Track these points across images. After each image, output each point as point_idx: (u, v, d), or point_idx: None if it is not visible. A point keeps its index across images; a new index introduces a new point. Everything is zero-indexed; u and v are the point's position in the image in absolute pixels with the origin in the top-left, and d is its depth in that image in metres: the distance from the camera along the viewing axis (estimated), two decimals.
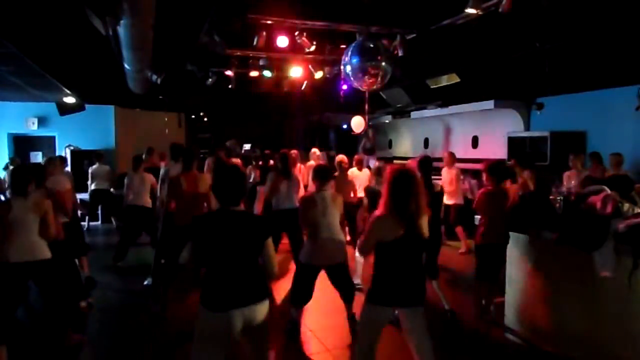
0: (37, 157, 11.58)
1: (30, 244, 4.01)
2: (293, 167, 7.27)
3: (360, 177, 8.22)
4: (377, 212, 3.11)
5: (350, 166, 8.38)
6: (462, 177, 8.33)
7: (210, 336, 2.73)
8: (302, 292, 4.63)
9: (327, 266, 4.57)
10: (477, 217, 5.28)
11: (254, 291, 2.81)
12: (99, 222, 11.21)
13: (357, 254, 5.52)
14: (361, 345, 3.23)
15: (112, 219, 10.74)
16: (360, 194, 8.08)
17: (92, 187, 10.22)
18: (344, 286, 4.73)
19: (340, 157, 8.05)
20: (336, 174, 7.55)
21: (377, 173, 5.99)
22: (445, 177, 8.06)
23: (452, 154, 8.30)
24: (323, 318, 5.16)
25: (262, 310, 2.82)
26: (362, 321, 3.27)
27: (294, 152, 8.49)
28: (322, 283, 4.72)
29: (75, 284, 5.12)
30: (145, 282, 6.37)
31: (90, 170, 10.26)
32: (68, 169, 10.36)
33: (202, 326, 2.75)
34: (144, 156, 8.21)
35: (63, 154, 11.11)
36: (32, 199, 4.09)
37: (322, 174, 4.67)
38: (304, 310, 4.91)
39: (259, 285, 2.86)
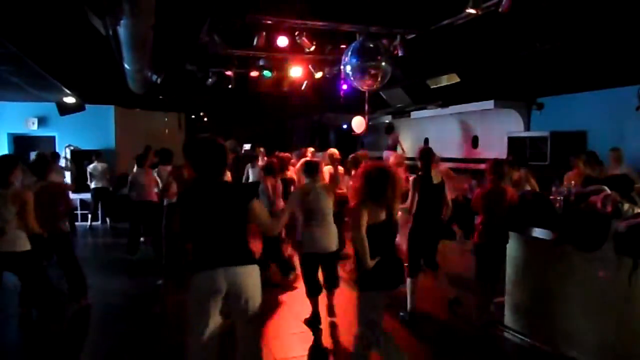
0: None
1: (9, 235, 3.99)
2: (286, 170, 7.35)
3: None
4: (353, 202, 3.37)
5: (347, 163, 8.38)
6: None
7: (200, 298, 2.87)
8: (310, 283, 4.88)
9: (323, 254, 4.78)
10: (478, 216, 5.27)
11: (237, 255, 2.95)
12: (99, 222, 11.20)
13: None
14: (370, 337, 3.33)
15: (107, 219, 10.71)
16: None
17: (92, 185, 10.28)
18: (332, 275, 4.95)
19: (331, 150, 8.07)
20: (329, 168, 7.63)
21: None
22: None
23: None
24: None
25: (246, 273, 2.94)
26: (361, 308, 3.38)
27: (309, 151, 8.58)
28: None
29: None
30: (159, 282, 6.36)
31: (88, 169, 10.31)
32: (63, 164, 10.41)
33: (192, 290, 2.90)
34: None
35: (63, 154, 11.13)
36: (11, 190, 4.05)
37: (310, 168, 4.92)
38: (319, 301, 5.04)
39: (243, 251, 2.99)
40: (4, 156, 5.06)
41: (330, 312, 5.06)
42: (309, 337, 4.69)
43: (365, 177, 3.35)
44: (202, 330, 2.87)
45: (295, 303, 5.55)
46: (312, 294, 4.91)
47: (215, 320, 2.91)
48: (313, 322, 4.89)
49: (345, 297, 5.46)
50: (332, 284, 5.01)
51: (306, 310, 5.02)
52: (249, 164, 10.09)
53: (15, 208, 4.02)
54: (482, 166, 5.17)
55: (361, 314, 3.38)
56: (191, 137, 7.33)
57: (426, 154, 5.29)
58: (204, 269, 2.88)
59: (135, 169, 7.78)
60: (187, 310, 2.93)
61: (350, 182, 4.41)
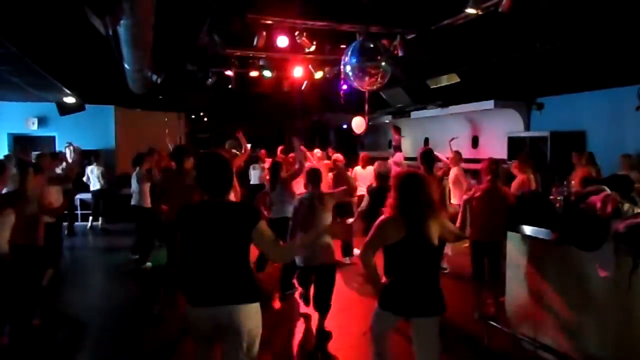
0: None
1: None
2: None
3: (363, 176, 8.21)
4: (384, 214, 3.08)
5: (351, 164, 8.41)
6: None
7: (194, 330, 2.67)
8: (305, 292, 4.93)
9: (318, 266, 4.52)
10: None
11: (237, 290, 2.58)
12: (99, 222, 11.18)
13: None
14: (373, 349, 3.22)
15: (100, 218, 10.66)
16: (362, 192, 8.11)
17: (91, 187, 10.30)
18: (324, 293, 4.55)
19: (336, 155, 8.05)
20: (334, 172, 7.57)
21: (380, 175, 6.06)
22: (451, 176, 7.89)
23: (458, 153, 8.07)
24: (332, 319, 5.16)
25: (245, 313, 2.56)
26: (371, 324, 3.22)
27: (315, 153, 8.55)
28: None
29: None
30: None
31: (87, 170, 10.33)
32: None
33: (187, 320, 2.69)
34: (145, 156, 8.23)
35: (68, 153, 11.12)
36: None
37: (312, 178, 4.69)
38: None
39: (244, 285, 2.61)
40: None
41: (322, 337, 4.51)
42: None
43: (399, 186, 3.03)
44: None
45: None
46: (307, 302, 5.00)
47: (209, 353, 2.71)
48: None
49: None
50: (322, 305, 4.56)
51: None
52: (251, 166, 10.08)
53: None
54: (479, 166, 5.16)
55: (371, 328, 3.21)
56: (180, 145, 7.17)
57: (427, 155, 5.29)
58: (198, 304, 2.59)
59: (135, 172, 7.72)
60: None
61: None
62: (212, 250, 2.60)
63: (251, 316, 2.58)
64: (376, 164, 8.30)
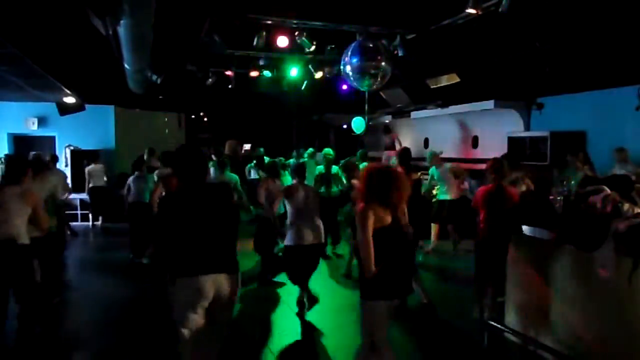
0: None
1: (10, 226, 4.00)
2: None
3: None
4: (360, 204, 3.19)
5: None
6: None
7: (198, 297, 2.86)
8: (295, 272, 5.20)
9: (307, 246, 5.02)
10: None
11: (226, 260, 2.97)
12: (99, 222, 11.19)
13: None
14: (366, 341, 3.18)
15: (99, 217, 10.62)
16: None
17: (90, 185, 10.30)
18: (309, 269, 5.19)
19: (325, 150, 8.10)
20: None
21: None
22: (438, 176, 7.88)
23: (435, 153, 8.07)
24: (328, 317, 5.19)
25: (233, 281, 2.96)
26: (365, 320, 3.16)
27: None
28: (326, 281, 4.76)
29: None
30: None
31: (87, 170, 10.33)
32: (65, 168, 10.41)
33: (178, 293, 2.91)
34: (145, 157, 8.23)
35: (63, 154, 11.13)
36: (23, 188, 4.14)
37: (299, 171, 5.24)
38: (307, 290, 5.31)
39: (232, 256, 3.02)
40: (18, 156, 5.14)
41: (301, 306, 5.17)
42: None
43: (367, 178, 3.23)
44: (198, 326, 2.92)
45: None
46: (298, 281, 5.25)
47: (203, 319, 2.94)
48: (298, 307, 5.16)
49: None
50: (303, 281, 5.22)
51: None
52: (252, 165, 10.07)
53: (25, 206, 4.06)
54: (482, 166, 5.16)
55: (363, 325, 3.19)
56: (175, 141, 7.11)
57: (404, 155, 5.62)
58: (191, 274, 2.87)
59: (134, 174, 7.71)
60: (174, 309, 2.95)
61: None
62: (203, 224, 2.91)
63: (237, 283, 3.01)
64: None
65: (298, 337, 4.75)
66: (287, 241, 5.11)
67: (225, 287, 2.94)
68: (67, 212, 7.26)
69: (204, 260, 2.91)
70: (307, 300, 5.25)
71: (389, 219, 3.11)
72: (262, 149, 10.31)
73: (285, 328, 4.93)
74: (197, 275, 2.86)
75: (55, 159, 8.67)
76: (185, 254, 2.92)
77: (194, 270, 2.88)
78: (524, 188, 5.69)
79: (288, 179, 6.93)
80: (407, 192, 3.25)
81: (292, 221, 5.06)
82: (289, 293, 5.73)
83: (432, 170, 7.76)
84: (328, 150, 8.19)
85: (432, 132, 12.75)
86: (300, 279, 5.24)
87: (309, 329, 4.88)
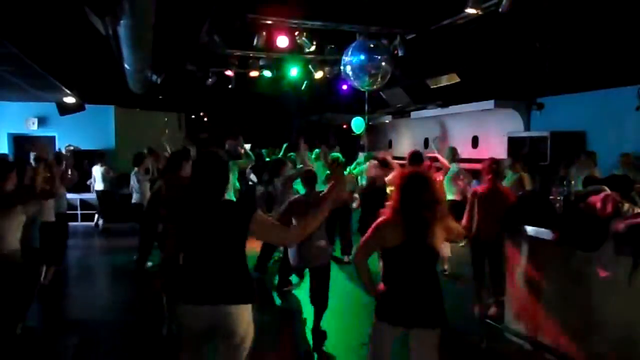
0: None
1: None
2: None
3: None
4: (384, 216, 2.86)
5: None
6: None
7: (186, 329, 2.57)
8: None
9: (312, 267, 4.58)
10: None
11: (230, 289, 2.51)
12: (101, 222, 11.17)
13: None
14: None
15: (100, 219, 10.59)
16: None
17: (95, 187, 10.30)
18: (320, 291, 4.57)
19: (333, 155, 8.01)
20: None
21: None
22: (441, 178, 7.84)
23: (453, 148, 8.02)
24: (330, 321, 5.15)
25: (237, 313, 2.50)
26: (370, 337, 2.94)
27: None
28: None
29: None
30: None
31: (93, 171, 10.33)
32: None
33: (180, 318, 2.62)
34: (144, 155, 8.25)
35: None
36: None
37: (309, 180, 4.72)
38: None
39: (241, 285, 2.55)
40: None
41: (318, 336, 4.54)
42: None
43: (404, 187, 2.77)
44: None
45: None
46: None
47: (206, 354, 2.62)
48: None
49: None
50: (319, 303, 4.57)
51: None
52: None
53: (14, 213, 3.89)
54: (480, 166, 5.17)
55: (370, 343, 2.93)
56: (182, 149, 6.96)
57: (415, 158, 5.45)
58: (188, 302, 2.52)
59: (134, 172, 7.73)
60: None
61: None
62: (210, 247, 2.54)
63: (245, 317, 2.54)
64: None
65: (301, 339, 4.73)
66: (292, 262, 4.66)
67: (229, 322, 2.49)
68: (67, 212, 7.21)
69: (201, 286, 2.51)
70: (313, 334, 4.60)
71: (402, 237, 2.72)
72: (264, 150, 10.28)
73: (288, 330, 4.92)
74: (192, 304, 2.50)
75: (59, 157, 8.67)
76: (184, 276, 2.59)
77: (186, 298, 2.53)
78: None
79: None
80: (442, 205, 2.84)
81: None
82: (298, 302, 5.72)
83: (454, 167, 7.48)
84: (337, 155, 8.06)
85: (432, 132, 12.73)
86: (313, 300, 4.65)
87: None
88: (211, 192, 2.59)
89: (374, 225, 2.84)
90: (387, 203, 2.89)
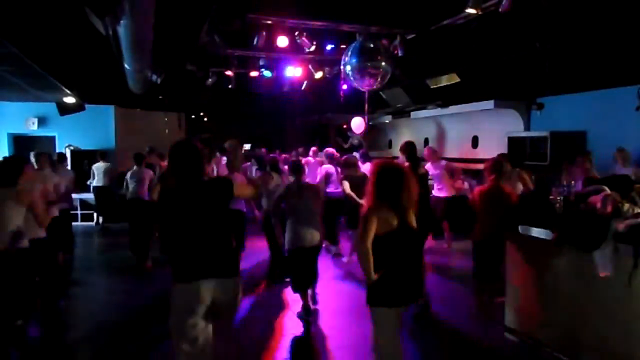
0: None
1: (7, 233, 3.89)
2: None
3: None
4: (366, 205, 3.04)
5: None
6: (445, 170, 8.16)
7: (194, 303, 2.72)
8: (299, 276, 5.03)
9: (306, 248, 4.91)
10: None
11: (223, 264, 2.81)
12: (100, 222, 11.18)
13: None
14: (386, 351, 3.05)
15: (100, 217, 10.57)
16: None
17: (93, 183, 10.30)
18: (313, 269, 5.08)
19: (331, 150, 8.11)
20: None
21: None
22: (434, 173, 7.95)
23: (432, 149, 8.29)
24: (331, 319, 5.18)
25: (231, 285, 2.83)
26: (375, 330, 3.06)
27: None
28: (328, 283, 4.76)
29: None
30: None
31: (93, 168, 10.34)
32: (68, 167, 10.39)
33: (175, 300, 2.77)
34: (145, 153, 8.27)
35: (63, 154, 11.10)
36: (16, 188, 3.99)
37: (296, 169, 5.14)
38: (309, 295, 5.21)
39: (230, 261, 2.86)
40: (14, 157, 5.09)
41: (313, 300, 5.24)
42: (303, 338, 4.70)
43: (377, 177, 3.02)
44: (194, 336, 2.75)
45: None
46: (301, 287, 5.07)
47: (202, 325, 2.79)
48: (304, 314, 5.03)
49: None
50: (308, 282, 5.12)
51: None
52: (250, 161, 10.07)
53: (19, 207, 3.98)
54: (482, 166, 5.16)
55: (373, 332, 3.08)
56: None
57: (408, 148, 5.49)
58: (188, 280, 2.74)
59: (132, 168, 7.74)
60: (170, 316, 2.80)
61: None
62: (203, 225, 2.77)
63: (236, 286, 2.87)
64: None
65: (300, 338, 4.74)
66: (288, 245, 4.97)
67: (224, 292, 2.79)
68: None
69: (199, 264, 2.75)
70: (303, 309, 5.04)
71: (395, 222, 2.94)
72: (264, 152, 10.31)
73: (289, 329, 4.92)
74: (192, 281, 2.72)
75: (62, 158, 8.70)
76: (180, 257, 2.78)
77: (189, 276, 2.74)
78: (519, 185, 5.70)
79: None
80: (417, 193, 3.10)
81: (292, 221, 4.92)
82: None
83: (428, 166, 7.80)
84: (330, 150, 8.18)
85: (432, 132, 12.75)
86: (301, 285, 5.07)
87: (311, 330, 4.88)
88: (191, 174, 2.83)
89: (366, 213, 3.01)
90: (367, 191, 3.09)
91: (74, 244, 6.54)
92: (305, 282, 5.08)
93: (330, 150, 8.12)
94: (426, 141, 12.99)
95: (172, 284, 2.81)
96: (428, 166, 7.70)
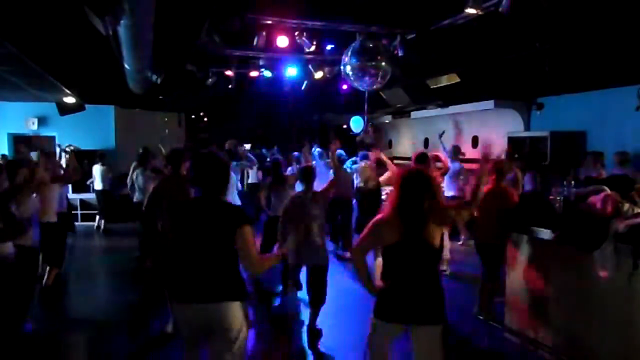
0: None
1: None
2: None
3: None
4: (382, 213, 2.89)
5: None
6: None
7: (182, 328, 2.72)
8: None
9: (311, 266, 4.68)
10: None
11: (216, 288, 2.58)
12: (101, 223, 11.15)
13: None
14: None
15: (102, 221, 10.55)
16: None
17: (94, 186, 10.29)
18: (317, 290, 4.66)
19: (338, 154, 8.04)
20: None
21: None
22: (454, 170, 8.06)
23: (457, 147, 8.50)
24: (328, 318, 5.16)
25: (224, 310, 2.56)
26: (368, 335, 2.91)
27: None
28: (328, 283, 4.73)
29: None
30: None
31: (93, 170, 10.32)
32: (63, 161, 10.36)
33: (175, 317, 2.79)
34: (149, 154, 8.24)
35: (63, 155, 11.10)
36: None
37: (306, 176, 4.78)
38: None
39: (231, 283, 2.62)
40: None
41: (314, 334, 4.63)
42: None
43: (403, 185, 2.78)
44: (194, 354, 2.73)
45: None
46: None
47: (192, 346, 2.74)
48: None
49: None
50: (316, 300, 4.68)
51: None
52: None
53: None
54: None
55: (367, 343, 2.91)
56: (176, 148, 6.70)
57: (421, 158, 5.46)
58: (177, 300, 2.65)
59: (137, 170, 7.74)
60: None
61: None
62: (199, 247, 2.62)
63: (237, 313, 2.60)
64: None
65: (300, 338, 4.74)
66: (290, 259, 4.64)
67: (218, 320, 2.57)
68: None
69: (183, 286, 2.62)
70: (308, 332, 4.68)
71: (398, 236, 2.72)
72: (265, 150, 10.30)
73: (283, 329, 4.92)
74: (178, 302, 2.64)
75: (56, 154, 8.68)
76: (174, 275, 2.68)
77: (177, 296, 2.65)
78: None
79: None
80: (442, 203, 2.85)
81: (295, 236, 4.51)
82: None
83: (456, 165, 8.06)
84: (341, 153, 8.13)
85: (432, 132, 12.71)
86: (310, 298, 4.76)
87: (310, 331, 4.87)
88: (210, 192, 2.67)
89: (371, 223, 2.88)
90: (385, 201, 2.92)
91: (64, 258, 6.40)
92: (311, 298, 4.76)
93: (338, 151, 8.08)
94: (426, 141, 12.99)
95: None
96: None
